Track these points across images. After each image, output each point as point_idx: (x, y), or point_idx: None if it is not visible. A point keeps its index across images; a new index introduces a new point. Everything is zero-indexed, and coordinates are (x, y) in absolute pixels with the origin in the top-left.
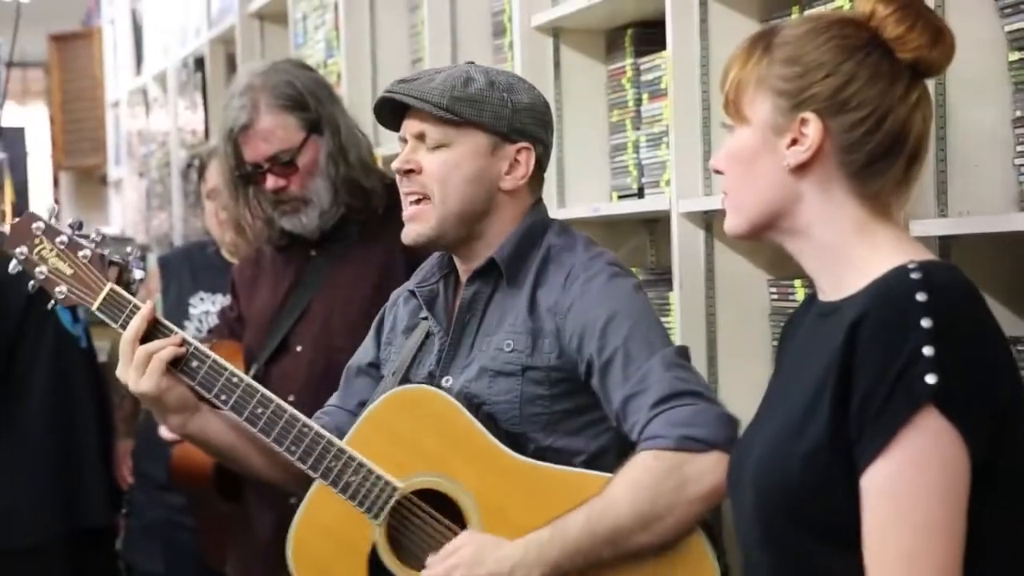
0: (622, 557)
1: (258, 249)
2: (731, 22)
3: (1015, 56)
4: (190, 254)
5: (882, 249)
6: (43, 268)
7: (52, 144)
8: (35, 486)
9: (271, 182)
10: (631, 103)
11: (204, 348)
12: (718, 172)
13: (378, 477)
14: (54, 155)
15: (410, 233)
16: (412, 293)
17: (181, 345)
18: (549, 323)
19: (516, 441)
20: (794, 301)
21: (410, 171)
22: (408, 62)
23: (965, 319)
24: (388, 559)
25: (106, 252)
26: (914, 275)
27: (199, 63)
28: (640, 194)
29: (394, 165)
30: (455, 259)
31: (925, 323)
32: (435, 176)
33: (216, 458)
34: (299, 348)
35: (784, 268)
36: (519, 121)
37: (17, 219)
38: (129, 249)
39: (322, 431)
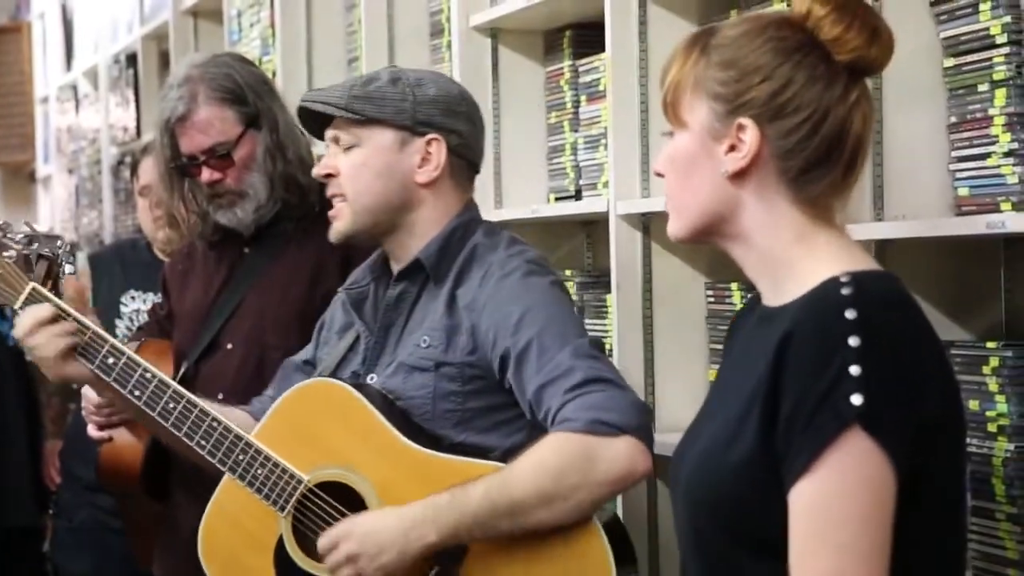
0: (520, 532)
1: (190, 245)
2: (670, 24)
3: (950, 62)
4: (121, 251)
5: (820, 256)
6: None
7: None
8: None
9: (207, 175)
10: (569, 105)
11: (119, 345)
12: (660, 175)
13: (283, 470)
14: None
15: (332, 232)
16: (347, 295)
17: (78, 333)
18: (465, 320)
19: (429, 437)
20: (731, 304)
21: (328, 175)
22: (344, 61)
23: (894, 337)
24: (293, 551)
25: (32, 251)
26: (844, 290)
27: (131, 59)
28: (578, 196)
29: (313, 172)
30: (389, 259)
31: (852, 341)
32: (346, 175)
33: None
34: (230, 346)
35: (722, 271)
36: (423, 113)
37: None
38: (59, 243)
39: (231, 425)
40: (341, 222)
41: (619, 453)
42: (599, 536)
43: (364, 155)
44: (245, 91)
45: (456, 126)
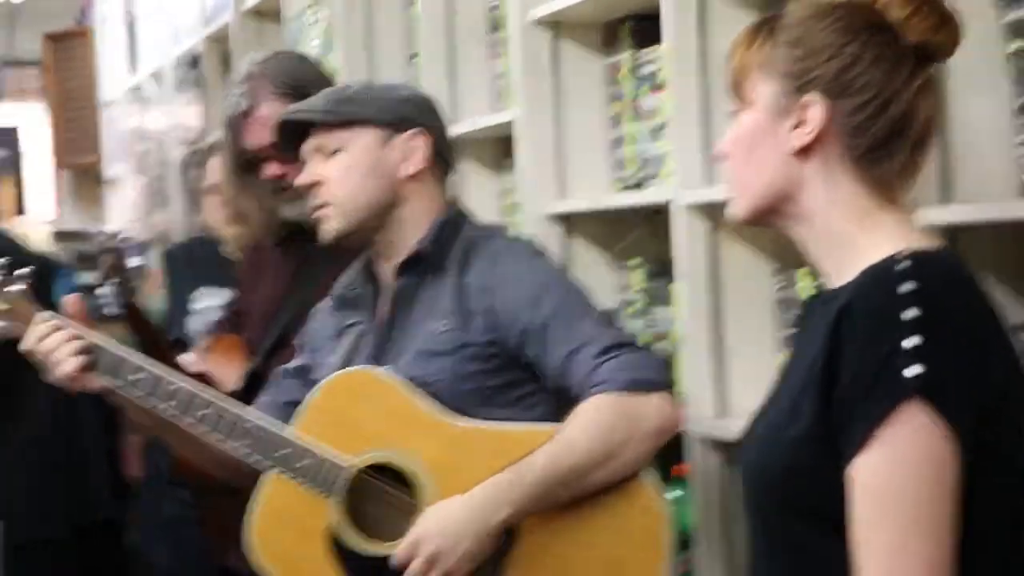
0: (579, 496)
1: (259, 242)
2: (729, 13)
3: (1015, 46)
4: (192, 249)
5: (882, 236)
6: None
7: (50, 143)
8: (41, 481)
9: (271, 170)
10: (630, 96)
11: (139, 359)
12: (723, 156)
13: (329, 458)
14: (52, 154)
15: (323, 233)
16: (338, 299)
17: (95, 350)
18: (479, 303)
19: (457, 415)
20: (798, 291)
21: (313, 185)
22: (404, 58)
23: (953, 309)
24: (349, 536)
25: (97, 246)
26: (901, 265)
27: (194, 61)
28: (640, 186)
29: (297, 182)
30: (375, 262)
31: (909, 314)
32: (335, 180)
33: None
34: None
35: (788, 258)
36: (404, 110)
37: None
38: (121, 237)
39: (266, 424)
40: (333, 222)
41: (657, 408)
42: (650, 486)
43: (351, 157)
44: (307, 86)
45: (433, 122)
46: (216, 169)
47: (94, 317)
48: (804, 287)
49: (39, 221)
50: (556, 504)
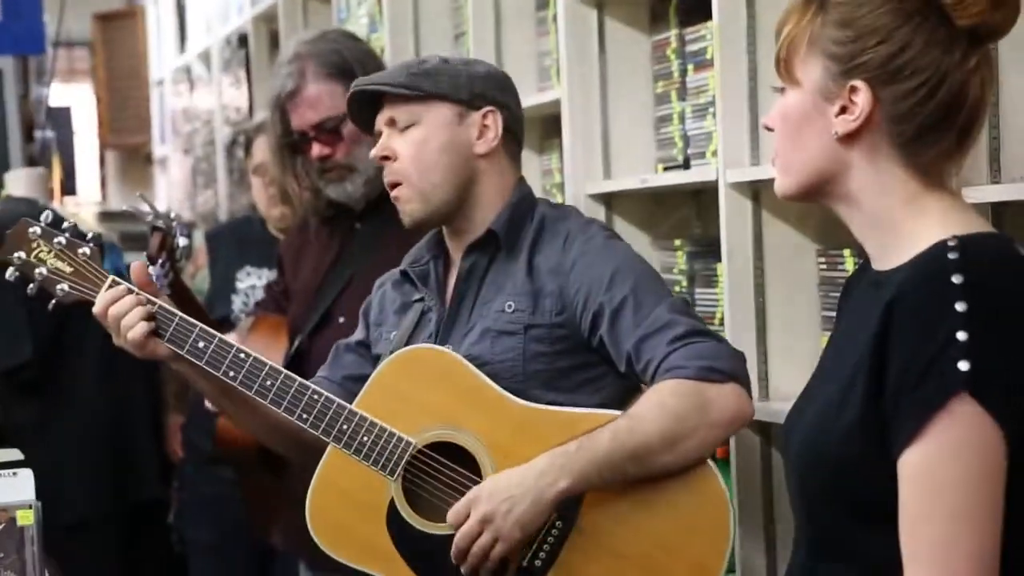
0: (644, 476)
1: (303, 221)
2: None
3: None
4: (237, 229)
5: (930, 220)
6: (42, 269)
7: (98, 123)
8: (87, 461)
9: (317, 150)
10: (676, 74)
11: (208, 329)
12: (769, 129)
13: (391, 434)
14: (100, 134)
15: (405, 217)
16: (404, 274)
17: (162, 316)
18: (550, 284)
19: (519, 397)
20: (843, 271)
21: (386, 158)
22: (451, 37)
23: (1003, 301)
24: (407, 513)
25: (147, 224)
26: (951, 254)
27: (242, 40)
28: (686, 165)
29: (371, 155)
30: (447, 238)
31: (960, 307)
32: (409, 156)
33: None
34: (342, 319)
35: (833, 237)
36: (478, 87)
37: (12, 228)
38: (172, 215)
39: (331, 396)
40: (413, 205)
41: (729, 397)
42: (714, 474)
43: (425, 132)
44: (353, 66)
45: (507, 100)
46: (262, 149)
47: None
48: (849, 267)
49: (88, 201)
50: (619, 482)
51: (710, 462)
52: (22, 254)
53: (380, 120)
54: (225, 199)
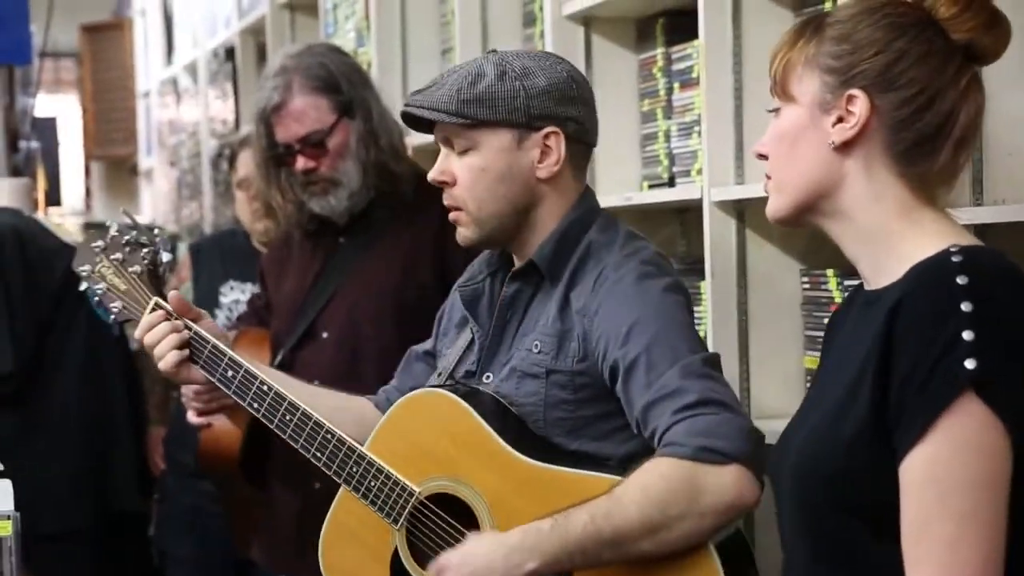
0: (623, 562)
1: (287, 235)
2: (764, 10)
3: None
4: (221, 242)
5: (926, 234)
6: (102, 285)
7: (84, 134)
8: (67, 471)
9: (301, 163)
10: (662, 92)
11: (237, 358)
12: (762, 157)
13: (396, 483)
14: (86, 145)
15: (460, 238)
16: (461, 290)
17: (196, 343)
18: (578, 326)
19: (543, 444)
20: (826, 291)
21: (444, 182)
22: (438, 52)
23: (1007, 304)
24: (408, 563)
25: (131, 239)
26: (956, 258)
27: (229, 53)
28: (671, 183)
29: (429, 177)
30: (512, 254)
31: (965, 307)
32: (466, 184)
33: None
34: (325, 335)
35: (817, 258)
36: (537, 107)
37: (83, 239)
38: (156, 231)
39: (344, 437)
40: (468, 231)
41: (726, 483)
42: (712, 560)
43: (482, 159)
44: (339, 80)
45: (571, 112)
46: (246, 163)
47: None
48: (832, 287)
49: (71, 212)
50: (600, 564)
51: (712, 550)
52: (88, 267)
53: (437, 135)
54: (210, 212)
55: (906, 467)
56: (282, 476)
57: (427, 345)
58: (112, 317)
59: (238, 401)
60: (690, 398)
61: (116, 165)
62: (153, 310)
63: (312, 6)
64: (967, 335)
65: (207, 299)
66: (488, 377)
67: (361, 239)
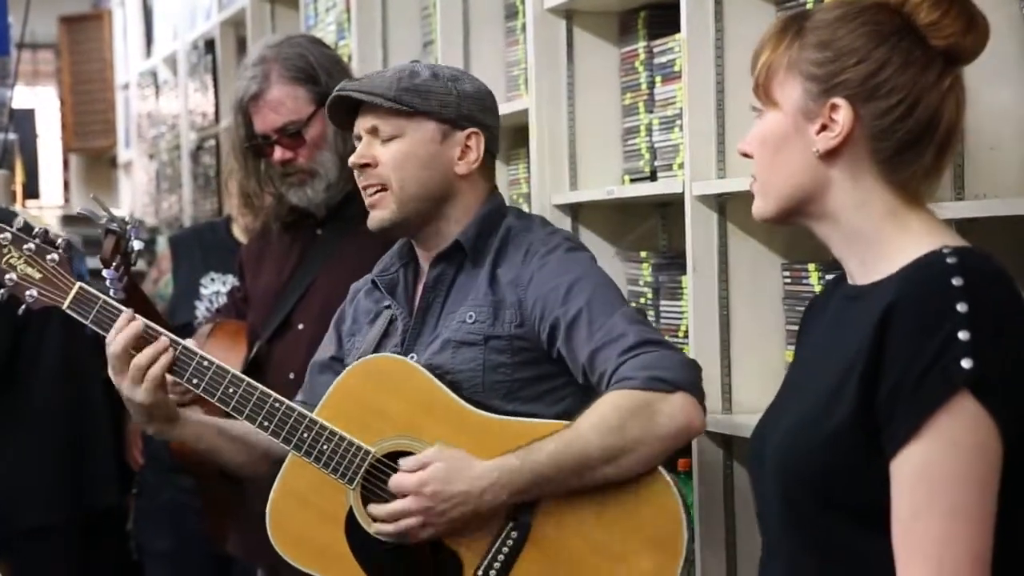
0: (589, 487)
1: (265, 227)
2: (747, 4)
3: None
4: (201, 234)
5: (914, 234)
6: (12, 275)
7: (62, 126)
8: (45, 466)
9: (279, 153)
10: (644, 86)
11: (171, 336)
12: (746, 156)
13: (350, 443)
14: (64, 137)
15: (374, 220)
16: (374, 283)
17: (168, 348)
18: (511, 295)
19: (479, 407)
20: (808, 285)
21: (366, 165)
22: (419, 44)
23: (1001, 305)
24: (364, 522)
25: (101, 226)
26: (950, 259)
27: (209, 45)
28: (653, 177)
29: (350, 161)
30: (416, 246)
31: (961, 307)
32: (391, 166)
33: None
34: (301, 326)
35: (798, 252)
36: (465, 108)
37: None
38: (127, 219)
39: (292, 404)
40: (385, 211)
41: (676, 408)
42: (668, 485)
43: (408, 145)
44: (317, 71)
45: (489, 122)
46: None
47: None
48: (813, 281)
49: (50, 205)
50: (567, 490)
51: (665, 474)
52: None
53: (360, 125)
54: (189, 204)
55: (898, 464)
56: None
57: (328, 353)
58: (23, 306)
59: (175, 378)
60: (632, 340)
61: (95, 157)
62: (77, 295)
63: None
64: (963, 335)
65: (188, 291)
66: (412, 357)
67: (339, 230)
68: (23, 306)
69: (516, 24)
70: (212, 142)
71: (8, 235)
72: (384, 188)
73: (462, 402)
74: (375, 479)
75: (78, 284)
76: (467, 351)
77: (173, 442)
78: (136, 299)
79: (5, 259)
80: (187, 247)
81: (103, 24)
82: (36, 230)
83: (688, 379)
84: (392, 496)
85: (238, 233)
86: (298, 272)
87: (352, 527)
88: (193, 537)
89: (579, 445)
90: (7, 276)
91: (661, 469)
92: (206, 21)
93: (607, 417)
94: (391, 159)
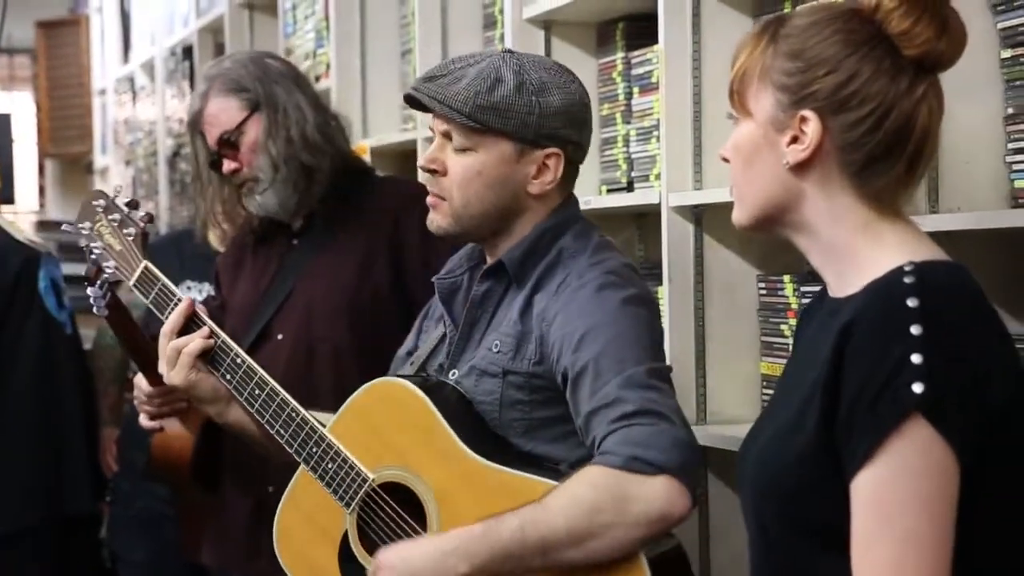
0: (554, 569)
1: (242, 237)
2: (723, 15)
3: (1007, 54)
4: (178, 242)
5: (887, 247)
6: (99, 243)
7: (38, 131)
8: (18, 472)
9: (226, 166)
10: (622, 96)
11: (213, 326)
12: (725, 160)
13: (352, 466)
14: (40, 142)
15: (432, 223)
16: (439, 284)
17: (209, 338)
18: (536, 329)
19: (499, 443)
20: (783, 297)
21: (434, 170)
22: (398, 53)
23: (957, 326)
24: (356, 548)
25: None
26: (908, 279)
27: (187, 52)
28: (630, 188)
29: (420, 162)
30: (485, 251)
31: (915, 330)
32: (457, 182)
33: (254, 446)
34: (280, 336)
35: (774, 263)
36: (547, 127)
37: (85, 198)
38: (143, 214)
39: (308, 416)
40: (442, 220)
41: (655, 493)
42: (643, 571)
43: (480, 163)
44: (248, 79)
45: (574, 136)
46: None
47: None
48: (789, 293)
49: (25, 210)
50: (530, 571)
51: (643, 561)
52: (89, 224)
53: (437, 124)
54: (166, 211)
55: (854, 488)
56: (234, 480)
57: (406, 347)
58: (104, 278)
59: (212, 372)
60: (628, 408)
61: (71, 163)
62: (142, 274)
63: (271, 6)
64: (915, 358)
65: None
66: (454, 373)
67: (315, 240)
68: (103, 277)
69: (495, 34)
70: (189, 149)
71: (103, 202)
72: (442, 199)
73: (460, 443)
74: (371, 507)
75: (144, 262)
76: (487, 382)
77: (151, 451)
78: (120, 316)
79: (97, 226)
80: (163, 254)
81: (80, 29)
82: (129, 199)
83: (677, 461)
84: (383, 527)
85: (214, 241)
86: (276, 282)
87: (345, 551)
88: (168, 545)
89: (545, 524)
90: (95, 244)
91: (642, 557)
92: (184, 28)
93: (578, 497)
94: (459, 174)
